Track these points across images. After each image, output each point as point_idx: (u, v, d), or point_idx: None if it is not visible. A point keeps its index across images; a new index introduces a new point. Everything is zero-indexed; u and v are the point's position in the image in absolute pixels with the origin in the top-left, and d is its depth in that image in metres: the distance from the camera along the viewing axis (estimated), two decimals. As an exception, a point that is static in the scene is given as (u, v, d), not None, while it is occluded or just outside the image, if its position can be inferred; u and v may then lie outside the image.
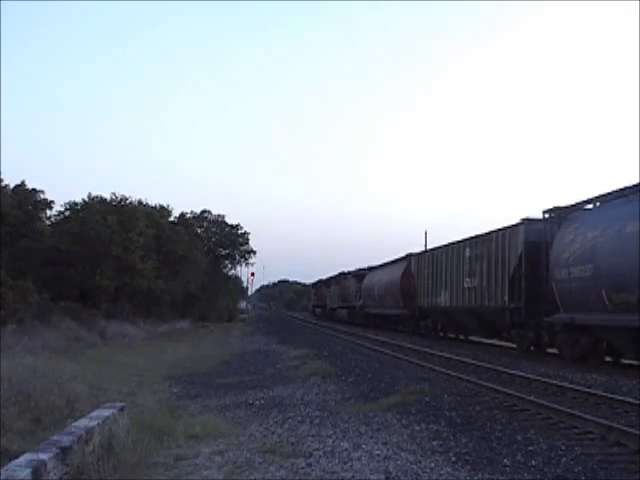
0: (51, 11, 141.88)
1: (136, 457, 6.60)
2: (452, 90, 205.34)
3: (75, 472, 5.41)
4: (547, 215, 18.57)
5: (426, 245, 45.64)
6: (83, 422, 6.35)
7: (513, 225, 20.61)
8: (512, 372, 13.78)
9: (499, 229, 21.66)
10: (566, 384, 11.79)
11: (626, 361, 16.15)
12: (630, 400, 9.74)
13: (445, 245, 27.58)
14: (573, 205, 17.60)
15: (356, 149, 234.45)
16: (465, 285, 23.87)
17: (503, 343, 22.89)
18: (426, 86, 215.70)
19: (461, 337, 27.91)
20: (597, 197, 16.66)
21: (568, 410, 8.92)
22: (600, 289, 14.90)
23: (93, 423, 6.28)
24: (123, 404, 7.77)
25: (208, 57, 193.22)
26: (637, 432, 7.25)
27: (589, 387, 11.59)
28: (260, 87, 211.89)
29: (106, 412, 6.92)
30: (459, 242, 25.51)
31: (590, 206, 17.08)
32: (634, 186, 14.95)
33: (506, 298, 20.29)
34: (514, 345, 20.97)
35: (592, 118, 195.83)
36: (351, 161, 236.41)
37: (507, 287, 20.24)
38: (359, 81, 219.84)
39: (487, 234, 22.59)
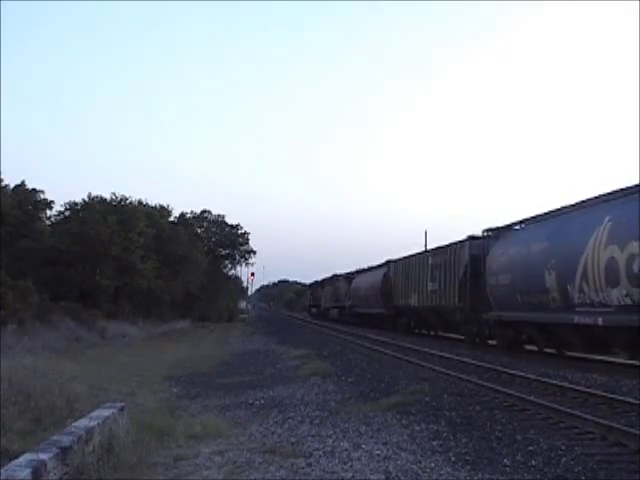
0: (51, 11, 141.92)
1: (136, 457, 6.60)
2: (452, 90, 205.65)
3: (75, 472, 5.41)
4: (486, 233, 23.03)
5: (426, 245, 46.02)
6: (83, 422, 6.35)
7: (461, 241, 24.97)
8: (512, 372, 13.77)
9: (452, 243, 25.98)
10: (566, 384, 11.78)
11: (626, 361, 16.11)
12: (630, 400, 9.73)
13: (415, 254, 32.89)
14: (507, 225, 21.61)
15: (356, 149, 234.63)
16: (429, 288, 27.90)
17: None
18: (426, 86, 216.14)
19: (431, 333, 31.10)
20: (522, 220, 20.66)
21: (568, 410, 8.90)
22: (516, 292, 18.91)
23: (93, 423, 6.28)
24: (123, 404, 7.76)
25: (208, 57, 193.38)
26: (637, 432, 7.24)
27: (589, 387, 11.57)
28: (260, 87, 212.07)
29: (106, 412, 6.91)
30: (425, 252, 31.48)
31: (518, 227, 21.04)
32: (544, 214, 18.91)
33: (456, 299, 24.33)
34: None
35: (592, 117, 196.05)
36: (351, 161, 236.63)
37: (457, 290, 24.30)
38: (359, 81, 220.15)
39: (444, 247, 27.01)
